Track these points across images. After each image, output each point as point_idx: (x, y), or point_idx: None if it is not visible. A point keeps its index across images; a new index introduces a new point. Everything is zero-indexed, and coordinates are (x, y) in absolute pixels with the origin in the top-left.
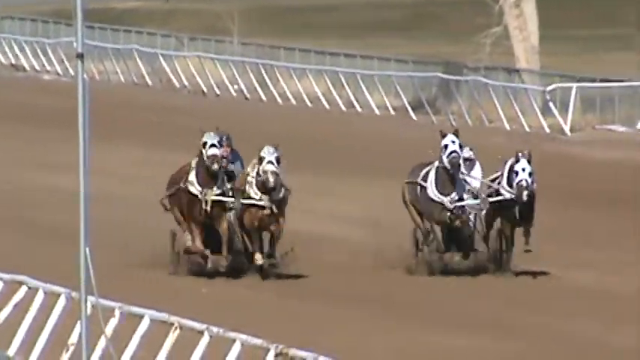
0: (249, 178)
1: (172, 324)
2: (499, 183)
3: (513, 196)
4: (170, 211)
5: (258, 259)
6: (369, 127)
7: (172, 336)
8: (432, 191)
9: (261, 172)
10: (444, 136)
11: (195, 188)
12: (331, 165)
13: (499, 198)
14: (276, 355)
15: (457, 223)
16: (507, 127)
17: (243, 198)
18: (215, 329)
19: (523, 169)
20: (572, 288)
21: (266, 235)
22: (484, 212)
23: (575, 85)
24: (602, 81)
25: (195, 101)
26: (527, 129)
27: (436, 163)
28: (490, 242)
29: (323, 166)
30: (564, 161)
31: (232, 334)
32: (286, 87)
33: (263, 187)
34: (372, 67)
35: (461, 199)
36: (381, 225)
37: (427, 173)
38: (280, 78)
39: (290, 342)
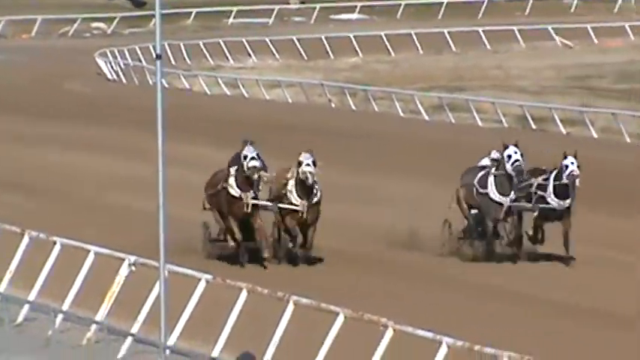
0: (289, 187)
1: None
2: (537, 189)
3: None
4: (210, 210)
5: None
6: None
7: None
8: (493, 193)
9: (300, 173)
10: (506, 147)
11: (235, 191)
12: None
13: (547, 206)
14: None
15: (509, 220)
16: None
17: (284, 203)
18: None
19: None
20: None
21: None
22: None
23: None
24: None
25: None
26: None
27: (492, 170)
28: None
29: None
30: None
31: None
32: None
33: (302, 184)
34: None
35: (516, 200)
36: None
37: (484, 177)
38: None
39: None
